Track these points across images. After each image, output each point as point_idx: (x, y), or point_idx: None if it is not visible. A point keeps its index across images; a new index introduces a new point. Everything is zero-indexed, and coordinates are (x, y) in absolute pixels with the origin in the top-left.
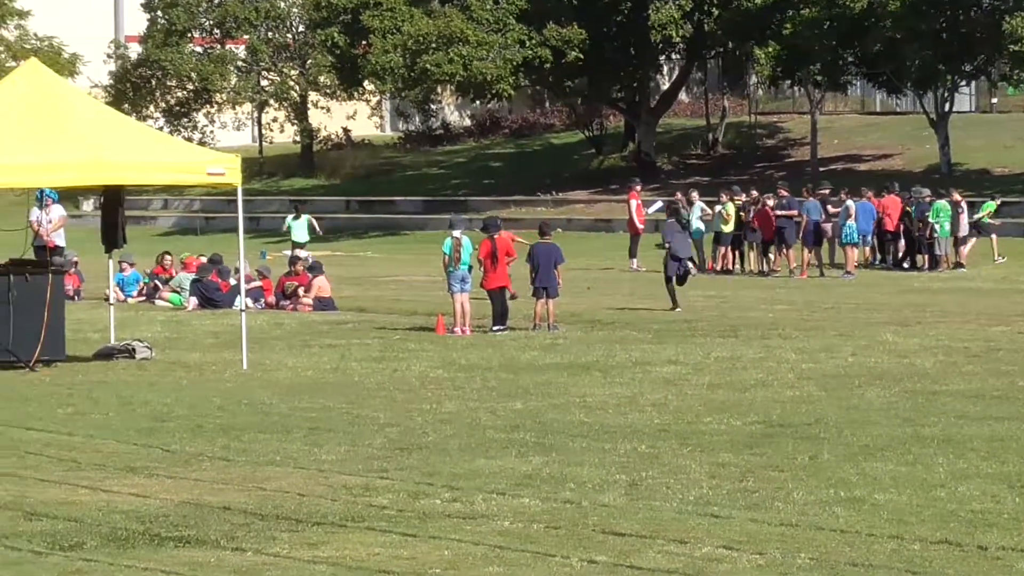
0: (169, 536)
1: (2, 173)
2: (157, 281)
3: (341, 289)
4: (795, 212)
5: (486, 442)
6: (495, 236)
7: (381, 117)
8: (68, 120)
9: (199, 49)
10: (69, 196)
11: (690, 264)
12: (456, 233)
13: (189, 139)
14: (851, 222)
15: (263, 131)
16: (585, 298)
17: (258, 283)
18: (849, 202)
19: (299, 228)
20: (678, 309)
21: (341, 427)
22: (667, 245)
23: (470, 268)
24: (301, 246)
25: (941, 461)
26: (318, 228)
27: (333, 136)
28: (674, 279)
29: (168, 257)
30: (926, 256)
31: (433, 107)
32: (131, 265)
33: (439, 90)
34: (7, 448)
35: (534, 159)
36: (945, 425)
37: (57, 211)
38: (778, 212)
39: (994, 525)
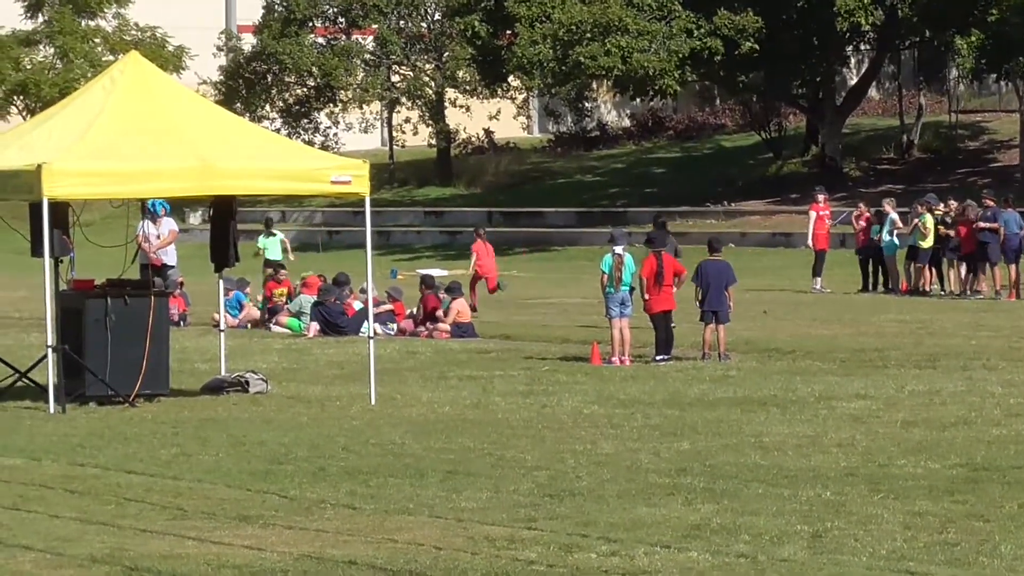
0: None
1: (99, 181)
2: (274, 298)
3: (483, 313)
4: (999, 225)
5: (648, 488)
6: (661, 252)
7: (528, 117)
8: (172, 121)
9: (321, 40)
10: (174, 208)
11: None
12: (618, 249)
13: (310, 143)
14: None
15: (394, 133)
16: (761, 323)
17: (388, 306)
18: None
19: (272, 245)
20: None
21: (483, 470)
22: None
23: (632, 290)
24: (278, 264)
25: None
26: (291, 254)
27: (473, 139)
28: None
29: (283, 270)
30: None
31: (587, 105)
32: (231, 289)
33: (594, 86)
34: (105, 494)
35: (702, 164)
36: None
37: (168, 225)
38: (981, 224)
39: None
